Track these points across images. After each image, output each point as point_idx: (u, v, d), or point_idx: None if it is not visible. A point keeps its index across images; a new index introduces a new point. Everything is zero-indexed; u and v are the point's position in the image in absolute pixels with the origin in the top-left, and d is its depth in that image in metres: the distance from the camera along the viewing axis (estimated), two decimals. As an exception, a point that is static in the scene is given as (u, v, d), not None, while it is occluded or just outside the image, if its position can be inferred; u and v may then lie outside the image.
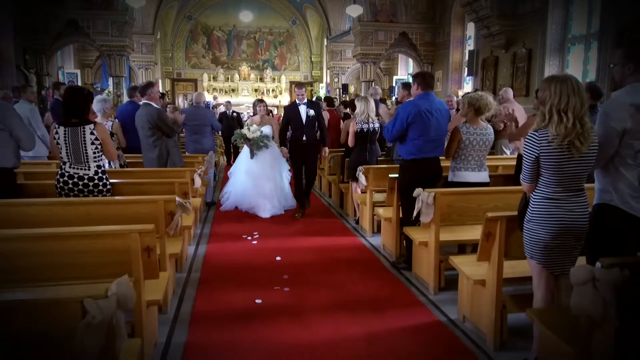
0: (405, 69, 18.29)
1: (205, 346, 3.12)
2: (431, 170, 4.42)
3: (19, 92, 6.50)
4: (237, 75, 23.35)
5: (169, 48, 22.98)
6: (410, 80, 4.76)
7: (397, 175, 4.64)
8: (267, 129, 6.80)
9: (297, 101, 6.48)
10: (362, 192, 5.86)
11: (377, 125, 5.93)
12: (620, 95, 2.69)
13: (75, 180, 3.76)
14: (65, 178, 3.76)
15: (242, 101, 21.03)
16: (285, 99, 22.61)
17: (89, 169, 3.78)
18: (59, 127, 3.73)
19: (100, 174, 3.83)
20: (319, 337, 3.24)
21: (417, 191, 3.91)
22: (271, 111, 13.36)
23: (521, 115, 6.87)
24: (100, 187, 3.83)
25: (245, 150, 6.99)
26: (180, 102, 21.91)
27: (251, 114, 13.12)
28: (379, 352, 3.06)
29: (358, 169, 5.63)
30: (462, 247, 4.51)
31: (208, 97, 16.57)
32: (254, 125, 6.68)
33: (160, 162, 5.44)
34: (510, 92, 7.36)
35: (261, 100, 7.34)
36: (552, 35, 9.66)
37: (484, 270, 3.15)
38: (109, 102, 5.76)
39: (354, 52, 16.12)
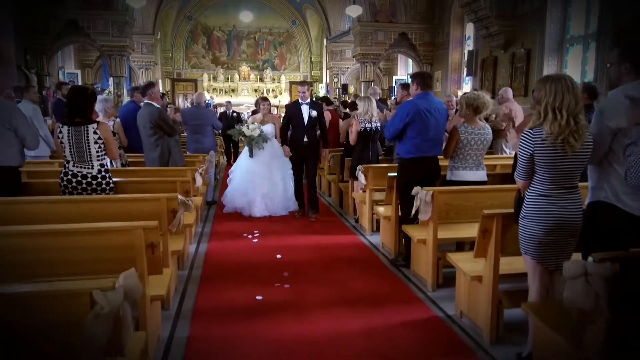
0: (405, 69, 18.34)
1: (207, 341, 3.18)
2: (429, 169, 4.49)
3: (22, 93, 6.57)
4: (237, 76, 23.42)
5: (169, 48, 23.04)
6: (409, 80, 4.81)
7: (396, 174, 4.71)
8: (269, 128, 6.70)
9: (300, 100, 6.32)
10: (362, 191, 5.92)
11: (379, 124, 5.99)
12: (616, 94, 2.75)
13: (79, 178, 3.82)
14: (69, 177, 3.82)
15: (242, 101, 21.10)
16: (285, 99, 22.68)
17: (93, 168, 3.84)
18: (62, 127, 3.79)
19: (103, 173, 3.89)
20: (319, 332, 3.30)
21: (416, 189, 3.97)
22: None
23: (521, 115, 6.94)
24: (104, 186, 3.89)
25: (245, 151, 6.87)
26: (180, 102, 21.96)
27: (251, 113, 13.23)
28: (378, 347, 3.12)
29: (357, 168, 5.70)
30: (460, 245, 4.57)
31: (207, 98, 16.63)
32: (254, 123, 6.61)
33: (161, 161, 5.51)
34: (510, 92, 7.43)
35: (265, 99, 7.16)
36: (551, 35, 9.72)
37: (480, 267, 3.21)
38: (110, 102, 5.84)
39: (353, 52, 16.18)
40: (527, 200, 2.74)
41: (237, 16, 23.28)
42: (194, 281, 4.26)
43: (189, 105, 15.32)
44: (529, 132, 2.68)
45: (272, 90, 23.41)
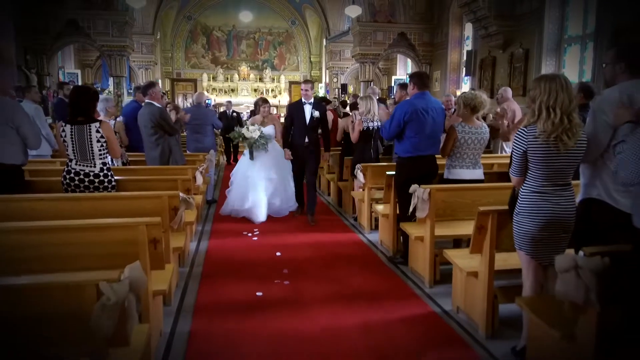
0: (404, 69, 18.40)
1: (208, 336, 3.24)
2: (427, 167, 4.55)
3: (23, 93, 6.61)
4: (236, 75, 23.48)
5: (169, 48, 23.10)
6: (407, 80, 4.88)
7: (394, 173, 4.77)
8: (269, 129, 6.55)
9: (303, 99, 6.13)
10: (361, 190, 5.98)
11: (379, 123, 6.05)
12: (612, 92, 2.80)
13: (81, 176, 3.88)
14: (72, 175, 3.88)
15: (242, 101, 21.16)
16: (284, 99, 22.75)
17: (95, 166, 3.90)
18: (65, 126, 3.84)
19: (105, 171, 3.95)
20: (318, 327, 3.36)
21: (413, 187, 4.04)
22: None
23: (520, 114, 7.01)
24: (106, 184, 3.95)
25: (245, 154, 6.67)
26: (180, 102, 22.01)
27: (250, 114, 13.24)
28: (376, 341, 3.18)
29: (356, 166, 5.76)
30: (458, 243, 4.63)
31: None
32: (254, 125, 6.46)
33: (162, 160, 5.57)
34: (509, 92, 7.49)
35: (265, 101, 6.91)
36: (549, 35, 9.79)
37: (476, 263, 3.27)
38: (112, 102, 5.90)
39: (352, 52, 16.23)
40: (521, 196, 2.81)
41: (236, 16, 23.33)
42: (195, 278, 4.32)
43: (189, 105, 15.41)
44: (523, 130, 2.74)
45: (272, 90, 23.47)
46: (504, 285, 3.36)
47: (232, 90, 23.15)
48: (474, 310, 3.33)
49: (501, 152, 7.34)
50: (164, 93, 10.75)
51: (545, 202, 2.71)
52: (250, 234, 5.77)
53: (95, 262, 2.55)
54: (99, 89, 15.88)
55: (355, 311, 3.63)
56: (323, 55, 23.33)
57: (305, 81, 6.29)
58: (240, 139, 6.50)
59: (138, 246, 2.58)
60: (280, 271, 4.48)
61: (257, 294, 3.93)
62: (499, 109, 6.68)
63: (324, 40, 21.67)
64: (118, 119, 6.33)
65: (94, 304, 1.71)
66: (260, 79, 23.86)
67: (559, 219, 2.72)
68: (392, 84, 17.65)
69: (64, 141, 3.85)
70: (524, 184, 2.81)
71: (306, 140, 6.10)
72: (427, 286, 4.10)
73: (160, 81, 20.09)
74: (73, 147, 3.83)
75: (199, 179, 5.33)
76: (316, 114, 6.07)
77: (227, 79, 23.51)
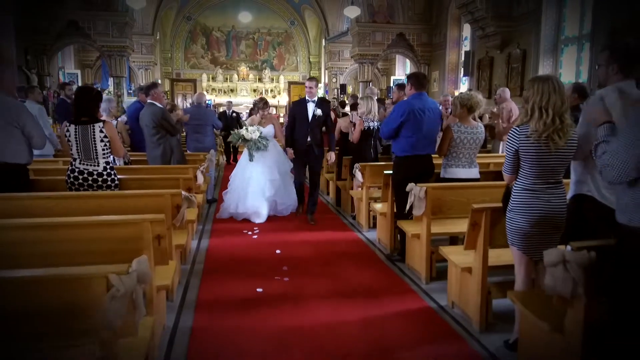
0: (403, 70, 18.50)
1: (210, 330, 3.32)
2: (424, 166, 4.64)
3: (26, 93, 6.69)
4: (235, 76, 23.58)
5: (168, 48, 23.18)
6: (405, 81, 4.97)
7: (391, 172, 4.86)
8: (268, 129, 6.50)
9: (307, 97, 5.99)
10: (360, 189, 6.07)
11: (378, 123, 6.14)
12: (604, 92, 2.88)
13: (85, 175, 3.97)
14: (76, 174, 3.97)
15: (241, 101, 21.24)
16: (283, 99, 22.86)
17: (98, 165, 3.99)
18: (70, 126, 3.93)
19: (108, 170, 4.04)
20: (317, 321, 3.45)
21: (410, 186, 4.13)
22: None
23: (517, 114, 7.10)
24: (109, 182, 4.04)
25: (245, 154, 6.57)
26: (180, 102, 22.10)
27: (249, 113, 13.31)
28: (373, 335, 3.27)
29: (355, 166, 5.85)
30: (454, 240, 4.72)
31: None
32: (254, 125, 6.40)
33: (164, 159, 5.67)
34: (507, 92, 7.58)
35: (266, 103, 6.75)
36: (546, 36, 9.89)
37: (470, 259, 3.37)
38: (114, 102, 5.99)
39: (351, 52, 16.33)
40: (514, 194, 2.90)
41: (236, 17, 23.42)
42: (196, 275, 4.41)
43: (188, 105, 15.49)
44: (515, 129, 2.84)
45: (271, 91, 23.57)
46: (498, 281, 3.45)
47: (232, 91, 23.24)
48: (469, 305, 3.43)
49: (503, 152, 7.43)
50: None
51: (537, 200, 2.81)
52: (250, 233, 5.86)
53: (101, 258, 2.63)
54: (99, 89, 15.96)
55: (354, 307, 3.72)
56: (322, 56, 23.43)
57: (310, 78, 6.13)
58: (240, 141, 6.40)
59: (143, 242, 2.67)
60: (280, 268, 4.57)
61: (258, 290, 4.02)
62: (494, 109, 6.78)
63: (323, 40, 21.78)
64: (119, 118, 6.42)
65: (103, 295, 1.80)
66: (260, 79, 23.95)
67: (550, 216, 2.81)
68: (391, 84, 17.73)
69: (68, 141, 3.94)
70: (517, 182, 2.90)
71: (308, 139, 6.00)
72: (424, 282, 4.19)
73: (159, 81, 20.16)
74: (77, 146, 3.92)
75: (200, 178, 5.42)
76: (318, 112, 5.95)
77: (227, 79, 23.61)
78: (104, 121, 4.01)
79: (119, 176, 4.16)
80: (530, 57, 10.22)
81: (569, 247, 2.24)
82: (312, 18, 22.65)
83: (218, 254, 5.04)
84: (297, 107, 6.13)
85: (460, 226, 4.15)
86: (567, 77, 9.64)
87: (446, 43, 14.41)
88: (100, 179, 4.00)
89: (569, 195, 2.97)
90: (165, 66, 22.84)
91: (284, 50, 24.62)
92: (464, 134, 4.38)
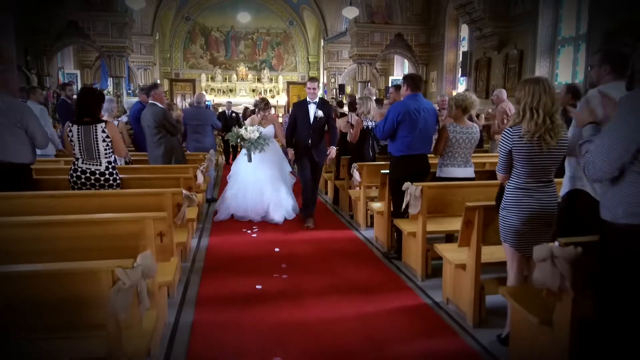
0: (401, 70, 18.58)
1: (210, 325, 3.41)
2: (419, 166, 4.73)
3: (28, 94, 6.75)
4: (234, 76, 23.63)
5: (168, 49, 23.23)
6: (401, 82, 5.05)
7: (388, 171, 4.95)
8: (269, 129, 6.41)
9: (308, 99, 5.87)
10: (357, 188, 6.15)
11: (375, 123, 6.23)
12: (595, 92, 2.97)
13: (88, 175, 4.05)
14: (79, 173, 4.05)
15: (240, 101, 21.30)
16: (282, 99, 22.93)
17: (101, 165, 4.07)
18: (72, 126, 4.02)
19: (110, 169, 4.12)
20: (315, 317, 3.54)
21: (406, 185, 4.21)
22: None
23: (513, 115, 7.18)
24: (111, 182, 4.12)
25: (243, 156, 6.48)
26: (179, 102, 22.16)
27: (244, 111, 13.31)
28: (369, 330, 3.35)
29: (352, 165, 5.93)
30: (450, 238, 4.81)
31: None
32: (253, 125, 6.32)
33: (164, 158, 5.75)
34: (504, 93, 7.66)
35: (267, 104, 6.60)
36: (543, 37, 9.97)
37: (464, 256, 3.45)
38: (115, 103, 6.07)
39: (350, 53, 16.40)
40: (507, 192, 2.99)
41: (234, 17, 23.46)
42: (197, 272, 4.49)
43: (187, 106, 15.56)
44: (509, 130, 2.92)
45: (270, 91, 23.62)
46: (491, 278, 3.53)
47: (231, 91, 23.30)
48: (462, 300, 3.51)
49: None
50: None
51: (529, 198, 2.89)
52: (249, 231, 5.94)
53: (105, 254, 2.70)
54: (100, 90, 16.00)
55: (351, 303, 3.81)
56: (321, 56, 23.50)
57: (311, 79, 6.00)
58: (238, 140, 6.28)
59: (146, 239, 2.75)
60: (279, 266, 4.65)
61: (257, 287, 4.10)
62: (490, 110, 6.87)
63: (322, 40, 21.85)
64: (120, 118, 6.50)
65: (109, 288, 1.88)
66: (259, 79, 24.01)
67: (541, 214, 2.90)
68: (390, 85, 17.82)
69: (71, 141, 4.02)
70: (509, 181, 2.99)
71: (309, 141, 5.87)
72: (419, 279, 4.28)
73: (158, 81, 20.21)
74: (80, 146, 4.00)
75: (200, 178, 5.50)
76: (319, 113, 5.82)
77: (226, 79, 23.66)
78: (106, 122, 4.09)
79: (120, 175, 4.24)
80: (527, 57, 10.29)
81: (556, 243, 2.32)
82: (310, 18, 22.72)
83: (218, 252, 5.12)
84: (298, 109, 6.00)
85: (456, 224, 4.21)
86: (564, 77, 9.74)
87: (444, 43, 14.49)
88: (102, 178, 4.08)
89: (564, 191, 3.06)
90: (164, 66, 22.89)
91: (283, 50, 24.68)
92: (459, 134, 4.47)
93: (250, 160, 6.32)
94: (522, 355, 2.80)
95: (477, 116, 6.59)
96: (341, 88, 19.60)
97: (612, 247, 2.10)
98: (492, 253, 3.48)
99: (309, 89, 5.83)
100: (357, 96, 9.08)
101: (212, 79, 23.55)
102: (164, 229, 2.85)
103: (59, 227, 2.66)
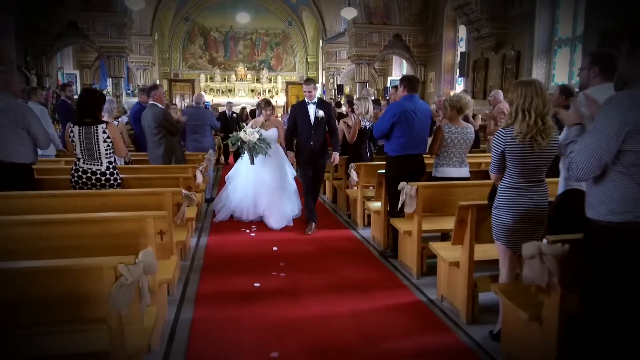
0: (400, 70, 18.67)
1: (209, 322, 3.48)
2: (415, 166, 4.80)
3: (29, 94, 6.81)
4: (233, 76, 23.72)
5: (167, 49, 23.30)
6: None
7: (384, 171, 5.02)
8: (272, 132, 6.25)
9: (306, 100, 5.75)
10: (355, 188, 6.22)
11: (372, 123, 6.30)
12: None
13: (89, 174, 4.11)
14: (80, 173, 4.11)
15: (239, 101, 21.35)
16: (281, 100, 23.01)
17: (101, 165, 4.13)
18: (73, 127, 4.08)
19: (111, 169, 4.19)
20: (312, 313, 3.61)
21: (402, 184, 4.28)
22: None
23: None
24: (112, 182, 4.18)
25: (246, 158, 6.30)
26: (178, 102, 22.22)
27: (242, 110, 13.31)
28: (365, 327, 3.42)
29: (350, 165, 6.00)
30: (445, 237, 4.87)
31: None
32: (255, 127, 6.14)
33: (164, 159, 5.82)
34: (500, 94, 7.73)
35: (268, 103, 6.44)
36: (540, 37, 10.05)
37: (458, 254, 3.53)
38: (114, 103, 6.14)
39: (348, 53, 16.48)
40: (499, 192, 3.06)
41: (234, 17, 23.53)
42: (196, 270, 4.56)
43: (186, 106, 15.62)
44: (501, 131, 3.00)
45: (269, 91, 23.71)
46: (484, 276, 3.61)
47: (230, 91, 23.38)
48: (456, 298, 3.59)
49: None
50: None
51: (521, 197, 2.96)
52: (248, 231, 6.01)
53: (106, 252, 2.77)
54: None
55: (347, 300, 3.88)
56: (320, 56, 23.59)
57: (307, 81, 5.83)
58: (239, 144, 6.10)
59: (146, 237, 2.82)
60: (277, 264, 4.72)
61: (255, 285, 4.18)
62: (487, 111, 6.94)
63: (321, 41, 21.93)
64: (120, 119, 6.56)
65: (112, 284, 1.95)
66: (258, 80, 24.09)
67: (533, 212, 2.97)
68: (388, 85, 17.90)
69: (72, 141, 4.08)
70: (502, 181, 3.06)
71: (311, 142, 5.75)
72: (415, 277, 4.35)
73: (158, 81, 20.28)
74: (81, 147, 4.06)
75: (199, 178, 5.57)
76: (320, 113, 5.70)
77: (225, 79, 23.74)
78: (106, 122, 4.15)
79: (121, 175, 4.31)
80: (524, 58, 10.38)
81: (544, 240, 2.39)
82: (309, 19, 22.81)
83: (217, 251, 5.19)
84: (298, 110, 5.88)
85: (451, 223, 4.27)
86: (561, 78, 9.82)
87: (442, 44, 14.57)
88: (103, 178, 4.14)
89: (559, 191, 3.13)
90: (163, 66, 22.97)
91: (282, 50, 24.76)
92: (454, 134, 4.54)
93: (252, 162, 6.17)
94: (513, 350, 2.88)
95: (474, 117, 6.67)
96: (340, 88, 19.68)
97: (596, 244, 2.17)
98: (485, 251, 3.55)
99: (306, 91, 5.75)
100: (355, 96, 9.14)
101: (211, 79, 23.63)
102: (164, 227, 2.92)
103: (60, 226, 2.73)
